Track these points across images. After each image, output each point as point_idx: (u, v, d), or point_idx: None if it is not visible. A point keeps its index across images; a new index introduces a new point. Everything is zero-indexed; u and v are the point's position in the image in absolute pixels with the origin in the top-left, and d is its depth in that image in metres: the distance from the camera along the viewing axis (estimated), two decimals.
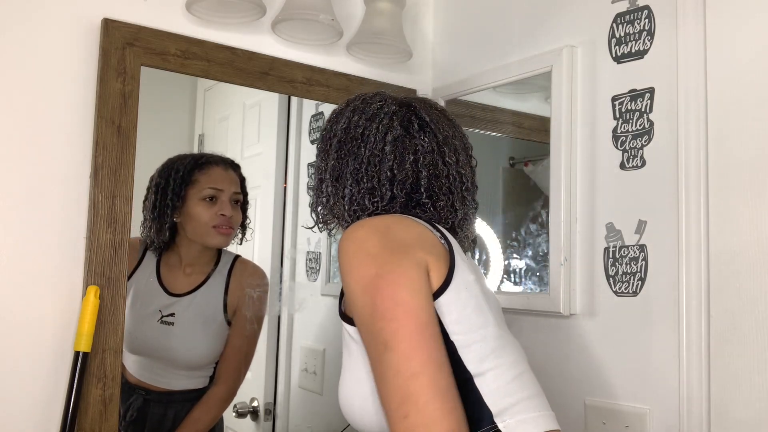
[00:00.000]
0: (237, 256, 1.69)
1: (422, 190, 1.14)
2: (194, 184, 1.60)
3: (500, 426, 0.96)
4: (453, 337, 0.99)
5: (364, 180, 1.13)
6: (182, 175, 1.59)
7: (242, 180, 1.69)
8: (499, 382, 0.99)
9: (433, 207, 1.14)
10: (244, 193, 1.68)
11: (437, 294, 0.99)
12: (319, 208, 1.20)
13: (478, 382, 0.98)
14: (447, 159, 1.15)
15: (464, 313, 1.01)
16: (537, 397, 1.02)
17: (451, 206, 1.16)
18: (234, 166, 1.68)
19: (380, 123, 1.15)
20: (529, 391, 1.02)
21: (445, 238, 1.08)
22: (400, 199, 1.13)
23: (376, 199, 1.12)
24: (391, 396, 0.91)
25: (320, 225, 1.23)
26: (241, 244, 1.69)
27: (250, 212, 1.69)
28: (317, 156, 1.21)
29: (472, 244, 1.27)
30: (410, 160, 1.13)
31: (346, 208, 1.14)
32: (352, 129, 1.16)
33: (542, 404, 1.02)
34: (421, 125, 1.16)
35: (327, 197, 1.17)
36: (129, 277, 1.55)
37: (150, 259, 1.60)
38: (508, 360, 1.02)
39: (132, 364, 1.56)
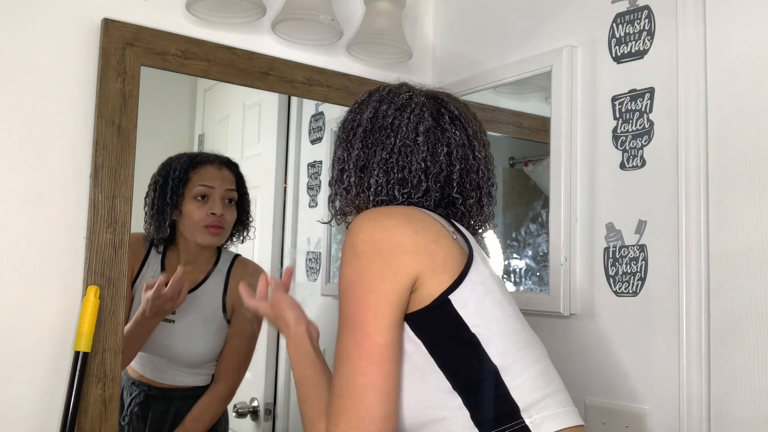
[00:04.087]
0: (237, 255, 1.69)
1: (455, 184, 1.11)
2: (188, 182, 1.61)
3: (527, 421, 0.97)
4: (474, 330, 0.99)
5: (395, 170, 1.09)
6: (179, 174, 1.60)
7: (239, 178, 1.68)
8: (524, 377, 1.00)
9: (463, 204, 1.12)
10: (241, 192, 1.68)
11: (451, 289, 0.99)
12: (338, 199, 1.15)
13: (504, 376, 0.99)
14: (477, 153, 1.14)
15: (483, 306, 1.01)
16: (561, 393, 1.03)
17: (478, 203, 1.15)
18: (229, 165, 1.68)
19: (411, 113, 1.12)
20: (554, 387, 1.03)
21: (461, 233, 1.08)
22: (435, 193, 1.10)
23: (406, 190, 1.09)
24: (333, 396, 0.97)
25: (338, 218, 1.18)
26: (242, 242, 1.69)
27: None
28: (337, 146, 1.16)
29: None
30: (444, 152, 1.11)
31: (371, 198, 1.10)
32: (380, 119, 1.12)
33: (566, 400, 1.04)
34: (451, 118, 1.14)
35: (348, 187, 1.12)
36: (135, 279, 1.56)
37: (154, 258, 1.61)
38: (533, 355, 1.03)
39: (135, 359, 1.56)
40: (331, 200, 1.17)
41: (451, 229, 1.07)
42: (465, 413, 0.97)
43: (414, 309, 1.00)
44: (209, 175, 1.64)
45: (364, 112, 1.14)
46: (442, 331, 1.00)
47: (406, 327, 1.00)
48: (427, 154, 1.10)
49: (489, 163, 1.16)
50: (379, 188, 1.10)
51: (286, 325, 1.15)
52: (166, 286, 1.52)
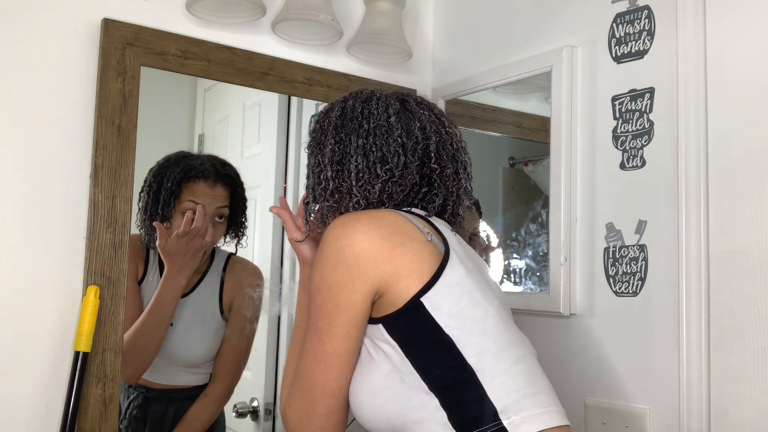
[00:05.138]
0: (231, 254, 1.69)
1: (432, 155, 1.13)
2: (180, 195, 1.57)
3: (504, 423, 0.97)
4: (448, 331, 0.99)
5: (373, 150, 1.11)
6: (171, 186, 1.56)
7: (234, 191, 1.64)
8: (503, 378, 0.99)
9: (440, 175, 1.14)
10: (235, 206, 1.64)
11: (423, 291, 0.99)
12: (320, 204, 1.15)
13: (482, 378, 0.98)
14: (447, 129, 1.17)
15: (458, 308, 1.01)
16: (543, 393, 1.02)
17: (455, 173, 1.16)
18: (225, 179, 1.63)
19: (378, 100, 1.15)
20: (535, 387, 1.02)
21: (438, 233, 1.07)
22: (414, 163, 1.12)
23: (388, 166, 1.10)
24: (294, 377, 1.07)
25: (320, 226, 1.17)
26: (235, 252, 1.67)
27: (250, 212, 1.69)
28: (310, 155, 1.17)
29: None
30: (417, 127, 1.14)
31: (354, 183, 1.11)
32: (348, 112, 1.14)
33: (549, 400, 1.02)
34: (416, 102, 1.18)
35: (326, 184, 1.13)
36: (141, 279, 1.56)
37: (154, 261, 1.60)
38: (514, 355, 1.02)
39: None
40: (309, 211, 1.18)
41: (427, 230, 1.06)
42: (443, 414, 0.97)
43: (387, 312, 1.01)
44: (200, 193, 1.59)
45: (331, 113, 1.17)
46: (416, 333, 1.00)
47: (382, 329, 1.01)
48: (401, 131, 1.12)
49: (460, 140, 1.19)
50: (360, 173, 1.11)
51: (302, 265, 1.22)
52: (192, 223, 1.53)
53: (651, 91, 1.37)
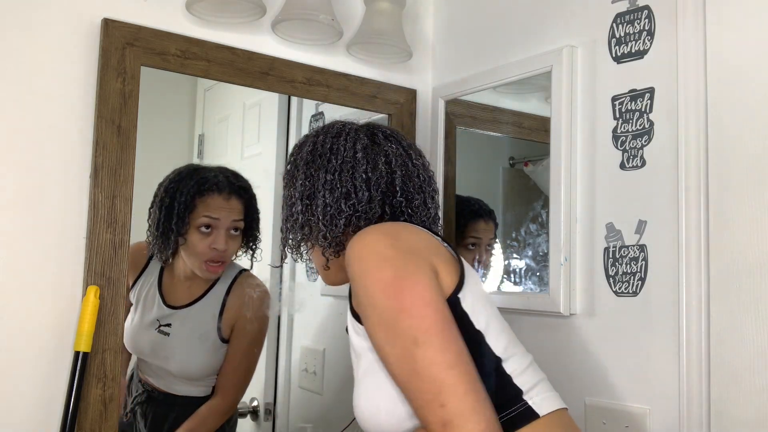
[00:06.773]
0: (242, 270, 1.66)
1: (397, 188, 1.19)
2: (194, 210, 1.56)
3: (530, 402, 1.05)
4: (478, 327, 1.06)
5: (338, 186, 1.16)
6: (185, 200, 1.55)
7: (249, 203, 1.63)
8: (521, 366, 1.08)
9: (408, 207, 1.20)
10: (250, 218, 1.63)
11: (457, 290, 1.06)
12: (290, 235, 1.21)
13: (506, 366, 1.06)
14: (414, 161, 1.23)
15: (480, 305, 1.08)
16: (546, 381, 1.13)
17: (423, 204, 1.22)
18: (239, 192, 1.62)
19: (347, 136, 1.20)
20: (540, 376, 1.12)
21: (446, 242, 1.16)
22: (377, 198, 1.17)
23: (351, 202, 1.16)
24: (426, 387, 0.95)
25: (294, 254, 1.24)
26: (251, 266, 1.64)
27: None
28: (284, 188, 1.23)
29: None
30: (383, 162, 1.19)
31: (320, 218, 1.16)
32: (318, 148, 1.20)
33: (551, 386, 1.12)
34: (384, 135, 1.23)
35: (297, 217, 1.19)
36: (133, 284, 1.55)
37: (154, 266, 1.59)
38: (520, 349, 1.12)
39: (138, 361, 1.57)
40: (283, 239, 1.23)
41: (438, 239, 1.15)
42: None
43: None
44: (215, 206, 1.57)
45: (303, 148, 1.22)
46: None
47: None
48: (367, 166, 1.18)
49: (427, 170, 1.25)
50: (327, 207, 1.16)
51: None
52: None
53: (651, 91, 1.37)
